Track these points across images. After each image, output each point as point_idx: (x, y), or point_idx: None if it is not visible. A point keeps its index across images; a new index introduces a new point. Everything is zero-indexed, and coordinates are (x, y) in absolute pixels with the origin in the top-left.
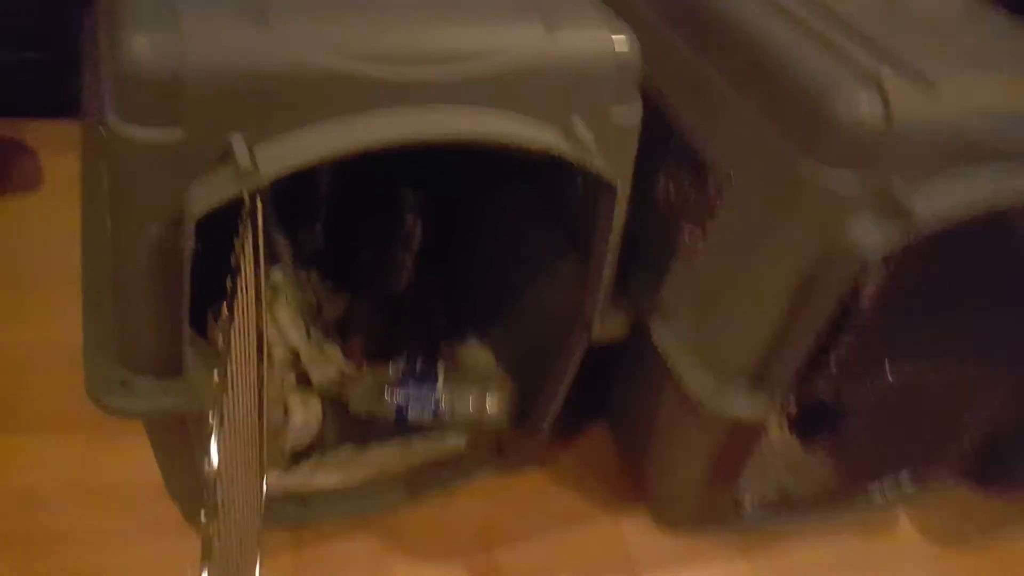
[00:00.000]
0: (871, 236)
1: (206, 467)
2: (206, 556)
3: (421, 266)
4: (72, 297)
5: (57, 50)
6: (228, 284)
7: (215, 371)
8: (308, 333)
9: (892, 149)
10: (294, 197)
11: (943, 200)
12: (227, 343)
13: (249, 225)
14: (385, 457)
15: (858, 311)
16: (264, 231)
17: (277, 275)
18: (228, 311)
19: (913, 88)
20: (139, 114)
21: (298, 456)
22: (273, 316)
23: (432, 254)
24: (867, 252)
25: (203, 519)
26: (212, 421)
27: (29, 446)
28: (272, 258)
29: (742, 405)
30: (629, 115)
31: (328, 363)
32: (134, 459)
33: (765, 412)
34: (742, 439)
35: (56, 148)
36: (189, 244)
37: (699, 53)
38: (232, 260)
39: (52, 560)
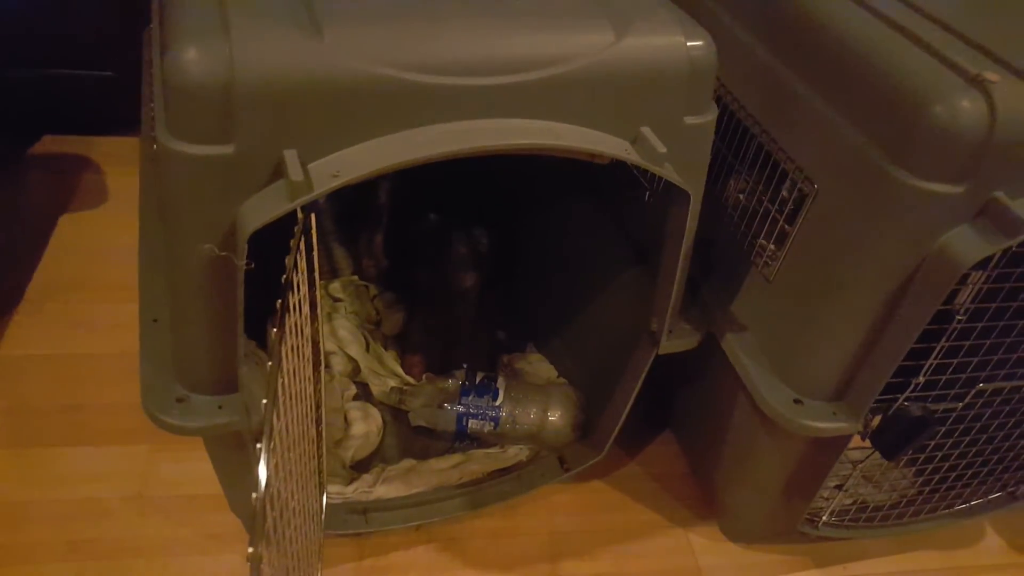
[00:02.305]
0: (971, 245)
1: (254, 494)
2: None
3: (481, 281)
4: (135, 311)
5: (122, 69)
6: (278, 303)
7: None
8: (367, 346)
9: (998, 158)
10: (356, 211)
11: None
12: (276, 362)
13: (302, 241)
14: (446, 468)
15: (952, 323)
16: (324, 245)
17: (337, 288)
18: (279, 329)
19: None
20: (190, 129)
21: (359, 466)
22: (333, 329)
23: (492, 269)
24: (966, 261)
25: (249, 546)
26: (260, 446)
27: (93, 457)
28: (332, 272)
29: (823, 421)
30: (703, 122)
31: (388, 375)
32: (195, 470)
33: (847, 427)
34: (821, 454)
35: (121, 164)
36: (242, 261)
37: (780, 57)
38: (283, 277)
39: (116, 568)
